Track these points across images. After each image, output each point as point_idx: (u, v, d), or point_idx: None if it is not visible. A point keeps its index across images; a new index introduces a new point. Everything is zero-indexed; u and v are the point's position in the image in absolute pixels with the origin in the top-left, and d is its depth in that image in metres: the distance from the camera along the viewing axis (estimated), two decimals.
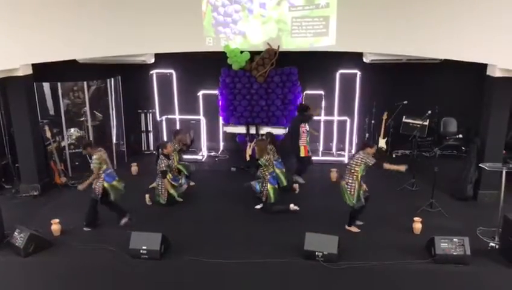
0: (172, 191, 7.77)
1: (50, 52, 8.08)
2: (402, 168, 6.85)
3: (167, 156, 7.78)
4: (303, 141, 8.62)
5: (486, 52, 7.17)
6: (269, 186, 7.53)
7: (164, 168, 7.67)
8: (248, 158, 8.10)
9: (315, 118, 10.02)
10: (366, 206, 6.93)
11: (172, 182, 7.84)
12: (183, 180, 8.13)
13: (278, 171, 7.87)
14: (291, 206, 7.57)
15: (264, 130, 9.42)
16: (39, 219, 7.40)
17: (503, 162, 7.34)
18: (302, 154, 8.66)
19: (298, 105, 9.22)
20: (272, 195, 7.52)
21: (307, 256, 6.10)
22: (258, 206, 7.83)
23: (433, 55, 8.29)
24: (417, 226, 6.80)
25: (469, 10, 7.19)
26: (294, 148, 8.71)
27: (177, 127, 10.31)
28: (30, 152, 8.32)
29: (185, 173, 8.29)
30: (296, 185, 8.43)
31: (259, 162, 7.59)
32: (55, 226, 6.85)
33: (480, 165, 7.22)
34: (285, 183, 7.99)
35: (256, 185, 7.73)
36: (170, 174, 7.82)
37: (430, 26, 7.55)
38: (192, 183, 8.42)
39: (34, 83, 8.54)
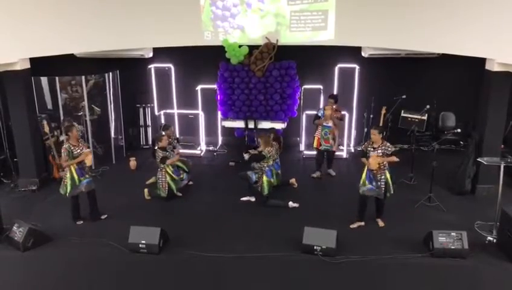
0: (172, 184, 7.77)
1: (48, 46, 8.04)
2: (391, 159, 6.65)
3: (164, 149, 7.76)
4: (318, 133, 8.68)
5: (484, 46, 7.16)
6: (264, 178, 7.53)
7: (162, 156, 7.67)
8: (246, 157, 8.09)
9: (314, 112, 10.04)
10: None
11: (174, 175, 7.84)
12: (184, 176, 8.13)
13: (273, 170, 7.85)
14: (290, 203, 7.57)
15: (263, 124, 9.42)
16: (38, 213, 7.41)
17: (501, 156, 7.37)
18: (314, 145, 8.72)
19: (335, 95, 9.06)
20: (265, 187, 7.53)
21: (306, 250, 6.13)
22: (244, 199, 7.84)
23: (432, 50, 8.28)
24: (373, 161, 6.59)
25: (468, 4, 7.17)
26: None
27: (176, 122, 10.33)
28: (28, 147, 8.31)
29: (185, 169, 8.28)
30: (293, 180, 8.44)
31: (263, 152, 7.58)
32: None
33: (478, 159, 7.24)
34: (275, 183, 7.98)
35: (253, 176, 7.72)
36: (171, 167, 7.80)
37: (429, 20, 7.53)
38: (190, 183, 8.41)
39: (32, 77, 8.50)
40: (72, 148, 6.83)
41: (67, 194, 6.94)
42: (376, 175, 6.68)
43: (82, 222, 7.11)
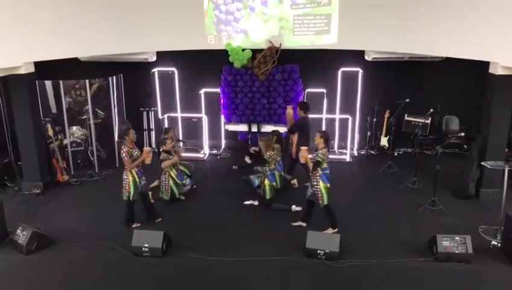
0: (174, 188, 7.77)
1: (52, 50, 8.08)
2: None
3: (168, 152, 7.77)
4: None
5: (488, 50, 7.15)
6: (266, 182, 7.53)
7: (173, 156, 7.67)
8: (249, 161, 8.09)
9: (317, 115, 10.05)
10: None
11: (177, 179, 7.84)
12: (187, 181, 8.12)
13: (276, 173, 7.88)
14: (293, 207, 7.55)
15: (266, 128, 9.42)
16: (41, 217, 7.43)
17: (505, 160, 7.33)
18: None
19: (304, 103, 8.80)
20: (268, 191, 7.53)
21: (309, 254, 6.11)
22: (248, 202, 7.84)
23: (436, 53, 8.28)
24: (302, 153, 6.59)
25: (471, 8, 7.17)
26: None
27: (180, 125, 10.35)
28: (32, 150, 8.33)
29: (187, 173, 8.28)
30: (294, 180, 8.44)
31: (264, 157, 7.57)
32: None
33: (482, 163, 7.21)
34: (279, 185, 8.00)
35: (255, 180, 7.73)
36: (175, 171, 7.81)
37: (432, 24, 7.54)
38: (194, 187, 8.41)
39: (36, 81, 8.55)
40: (131, 150, 6.87)
41: (130, 199, 6.93)
42: (311, 178, 6.68)
43: (139, 224, 7.06)
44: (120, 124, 9.33)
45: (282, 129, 9.46)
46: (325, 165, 6.53)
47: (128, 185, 6.86)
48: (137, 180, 6.90)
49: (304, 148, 6.67)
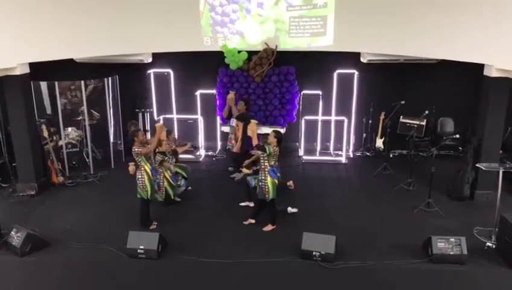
0: (169, 189, 7.76)
1: (47, 51, 8.05)
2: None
3: (163, 153, 7.75)
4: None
5: (483, 52, 7.19)
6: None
7: (160, 159, 7.64)
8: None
9: (313, 117, 10.07)
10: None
11: (171, 181, 7.82)
12: (182, 182, 8.10)
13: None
14: (289, 209, 7.54)
15: (262, 129, 9.42)
16: (36, 219, 7.39)
17: (500, 162, 7.37)
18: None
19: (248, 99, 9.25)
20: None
21: (304, 256, 6.11)
22: (243, 204, 7.82)
23: (431, 56, 8.31)
24: (253, 127, 6.93)
25: (466, 10, 7.20)
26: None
27: (175, 127, 10.32)
28: (27, 151, 8.29)
29: (184, 175, 8.25)
30: (290, 182, 8.44)
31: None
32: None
33: (477, 165, 7.24)
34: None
35: (252, 181, 7.59)
36: (170, 172, 7.79)
37: (427, 26, 7.57)
38: (189, 188, 8.39)
39: (31, 82, 8.51)
40: (144, 145, 6.88)
41: (149, 197, 6.91)
42: (259, 173, 6.85)
43: (157, 223, 7.12)
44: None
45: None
46: (273, 162, 6.76)
47: (144, 184, 6.83)
48: (152, 178, 6.89)
49: (254, 121, 6.93)
